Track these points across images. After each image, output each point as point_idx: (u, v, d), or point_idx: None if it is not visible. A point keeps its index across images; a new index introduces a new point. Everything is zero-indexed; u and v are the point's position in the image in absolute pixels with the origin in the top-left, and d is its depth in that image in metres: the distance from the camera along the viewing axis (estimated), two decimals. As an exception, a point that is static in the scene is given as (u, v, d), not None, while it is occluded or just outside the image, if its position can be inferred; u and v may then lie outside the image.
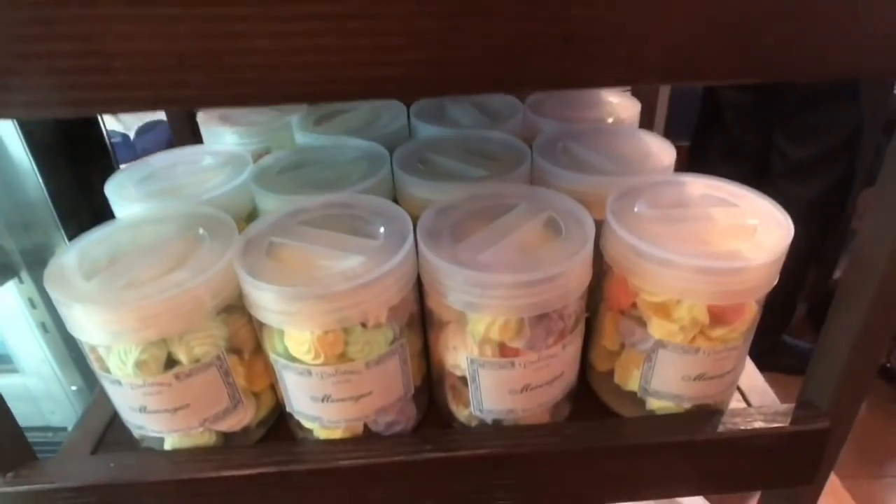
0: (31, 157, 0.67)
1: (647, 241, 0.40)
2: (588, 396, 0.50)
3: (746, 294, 0.40)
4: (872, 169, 1.32)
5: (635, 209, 0.44)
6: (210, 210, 0.47)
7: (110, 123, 1.01)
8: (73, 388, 0.73)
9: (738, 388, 0.50)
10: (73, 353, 0.69)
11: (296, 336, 0.40)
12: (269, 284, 0.38)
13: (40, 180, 0.67)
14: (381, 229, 0.43)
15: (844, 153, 1.29)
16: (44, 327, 0.67)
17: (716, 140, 1.47)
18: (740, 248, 0.40)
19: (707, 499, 0.67)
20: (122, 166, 0.56)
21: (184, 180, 0.53)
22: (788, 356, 1.42)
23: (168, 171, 0.55)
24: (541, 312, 0.40)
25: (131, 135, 1.03)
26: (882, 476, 1.26)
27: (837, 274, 1.65)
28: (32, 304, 0.66)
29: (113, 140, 1.01)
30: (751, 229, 0.42)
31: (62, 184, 0.69)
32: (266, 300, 0.39)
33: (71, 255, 0.43)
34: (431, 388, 0.49)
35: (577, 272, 0.40)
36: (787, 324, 1.51)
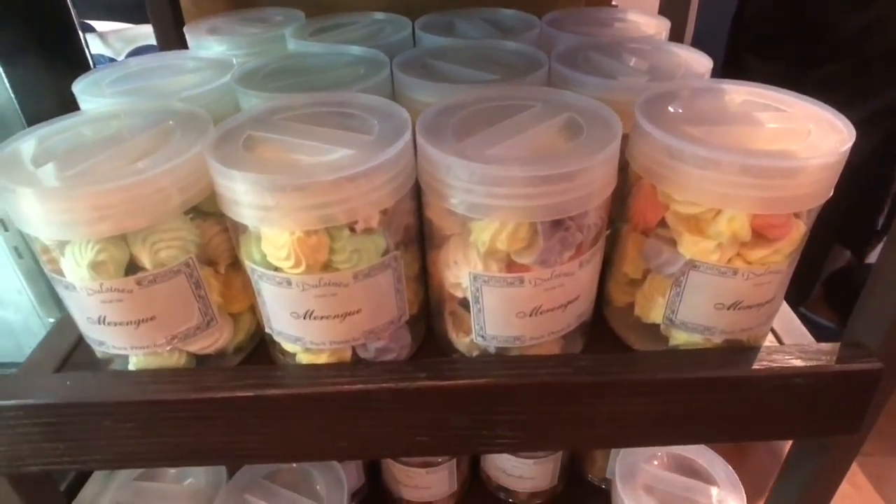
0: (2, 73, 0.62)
1: (683, 140, 0.34)
2: (604, 334, 0.45)
3: (797, 203, 0.34)
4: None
5: (669, 110, 0.38)
6: (184, 106, 0.41)
7: (98, 48, 0.96)
8: (51, 320, 0.69)
9: (772, 330, 0.45)
10: (48, 279, 0.65)
11: (273, 238, 0.35)
12: (243, 172, 0.33)
13: (12, 95, 0.61)
14: (376, 126, 0.38)
15: (884, 123, 1.21)
16: (17, 252, 0.63)
17: None
18: (792, 148, 0.34)
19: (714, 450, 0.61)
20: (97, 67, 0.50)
21: (162, 81, 0.48)
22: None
23: (146, 72, 0.50)
24: (557, 217, 0.34)
25: (120, 60, 0.98)
26: (895, 453, 1.21)
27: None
28: (4, 227, 0.61)
29: (101, 66, 0.95)
30: (803, 132, 0.36)
31: (38, 105, 0.64)
32: (239, 193, 0.33)
33: (23, 144, 0.38)
34: (429, 317, 0.44)
35: (601, 172, 0.34)
36: (806, 295, 1.45)
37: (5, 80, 0.59)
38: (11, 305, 0.69)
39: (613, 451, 0.68)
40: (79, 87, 0.46)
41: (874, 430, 0.43)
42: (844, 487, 0.48)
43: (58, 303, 0.70)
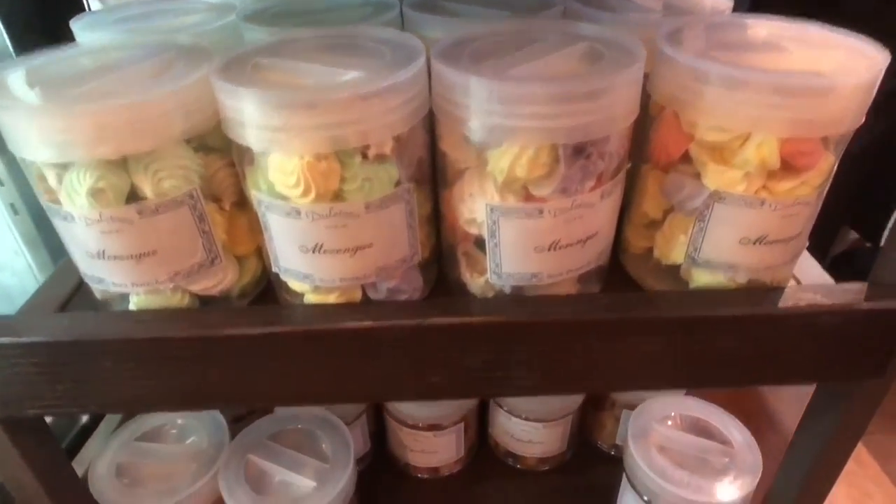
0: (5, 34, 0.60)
1: (710, 62, 0.33)
2: (621, 280, 0.44)
3: (829, 126, 0.33)
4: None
5: (694, 39, 0.37)
6: (187, 39, 0.40)
7: (96, 6, 0.94)
8: (49, 283, 0.67)
9: (793, 277, 0.44)
10: (46, 239, 0.63)
11: (282, 164, 0.33)
12: (250, 90, 0.31)
13: (9, 45, 0.60)
14: (388, 54, 0.36)
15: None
16: (13, 209, 0.61)
17: None
18: (824, 69, 0.32)
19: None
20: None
21: (164, 21, 0.47)
22: None
23: (148, 14, 0.48)
24: (579, 141, 0.33)
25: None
26: (900, 432, 1.20)
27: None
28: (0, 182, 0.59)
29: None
30: (833, 58, 0.34)
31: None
32: (246, 113, 0.32)
33: (14, 71, 0.36)
34: (442, 261, 0.43)
35: (625, 94, 0.33)
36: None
37: (3, 33, 0.57)
38: (8, 268, 0.67)
39: (623, 416, 0.66)
40: (78, 25, 0.44)
41: (879, 409, 0.42)
42: (849, 465, 0.47)
43: (55, 264, 0.68)
